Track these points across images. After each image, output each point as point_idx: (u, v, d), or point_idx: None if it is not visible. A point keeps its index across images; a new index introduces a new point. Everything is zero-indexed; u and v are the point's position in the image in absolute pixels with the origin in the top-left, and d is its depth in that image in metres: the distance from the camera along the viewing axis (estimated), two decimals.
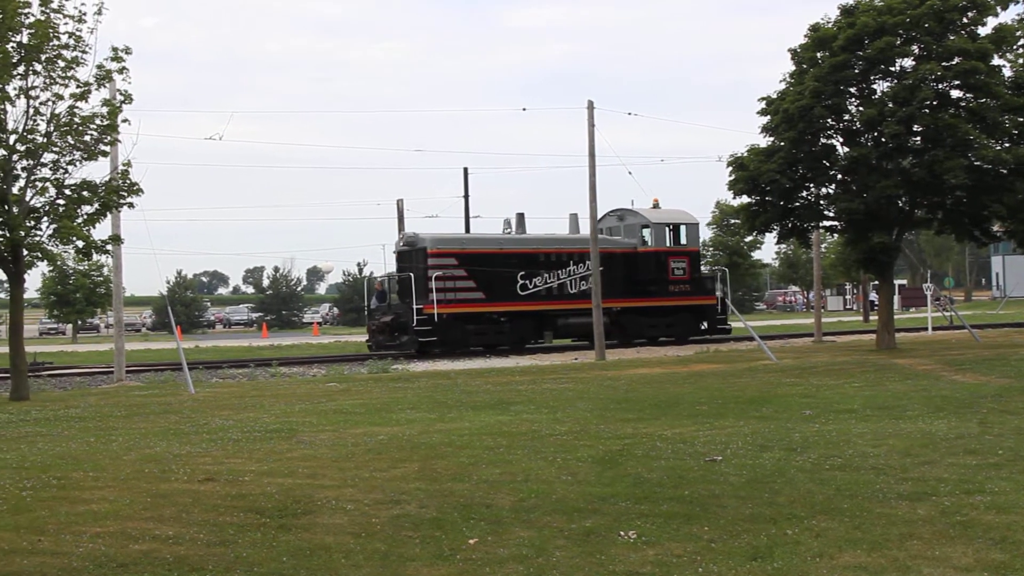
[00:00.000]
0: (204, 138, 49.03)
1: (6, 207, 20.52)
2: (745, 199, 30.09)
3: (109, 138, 21.88)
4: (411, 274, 33.70)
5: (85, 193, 21.47)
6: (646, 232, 38.50)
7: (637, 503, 9.35)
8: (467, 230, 51.14)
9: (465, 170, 52.08)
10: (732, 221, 63.83)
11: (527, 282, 35.72)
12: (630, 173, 48.98)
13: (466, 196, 51.57)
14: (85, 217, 21.57)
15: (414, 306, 33.06)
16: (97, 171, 28.54)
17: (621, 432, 13.68)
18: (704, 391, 19.24)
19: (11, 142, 20.60)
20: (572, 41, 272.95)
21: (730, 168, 29.67)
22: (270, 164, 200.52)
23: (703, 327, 39.17)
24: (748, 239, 66.71)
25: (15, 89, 20.66)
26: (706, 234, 69.77)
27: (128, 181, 22.10)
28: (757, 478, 10.32)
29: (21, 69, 20.55)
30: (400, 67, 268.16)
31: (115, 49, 21.64)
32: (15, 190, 20.87)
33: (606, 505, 9.31)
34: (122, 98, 21.92)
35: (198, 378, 24.64)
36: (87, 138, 21.39)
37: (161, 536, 8.48)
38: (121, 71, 21.70)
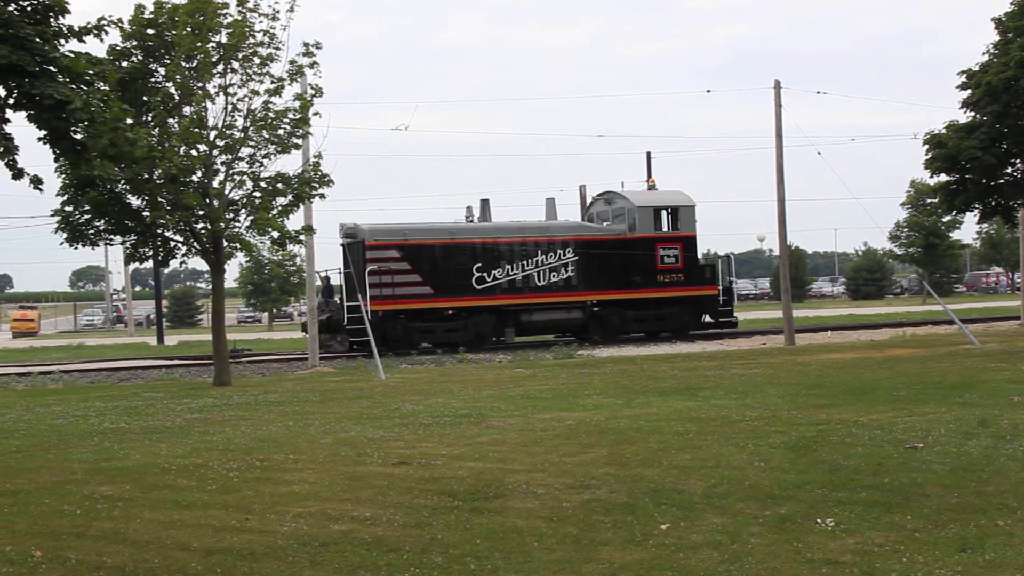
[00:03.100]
0: (390, 129, 50.26)
1: (208, 200, 21.50)
2: (943, 177, 28.75)
3: (301, 131, 22.61)
4: (350, 270, 30.88)
5: (279, 185, 22.30)
6: (633, 217, 34.19)
7: (834, 490, 9.07)
8: None
9: (648, 154, 51.67)
10: (929, 201, 61.19)
11: (484, 275, 32.04)
12: (819, 153, 47.07)
13: (649, 180, 51.14)
14: (279, 208, 22.38)
15: (345, 303, 30.33)
16: (290, 164, 29.55)
17: (814, 418, 13.30)
18: (901, 376, 18.52)
19: (211, 138, 21.55)
20: (755, 20, 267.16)
21: (927, 146, 28.40)
22: (453, 153, 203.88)
23: (705, 320, 34.99)
24: (946, 219, 63.81)
25: (214, 87, 21.64)
26: (900, 214, 67.06)
27: (319, 172, 22.81)
28: (963, 466, 9.85)
29: (220, 68, 21.49)
30: (578, 52, 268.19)
31: (306, 45, 22.38)
32: (215, 184, 21.83)
33: (801, 492, 9.06)
34: (313, 92, 22.63)
35: (387, 364, 25.24)
36: (281, 132, 22.18)
37: (359, 517, 8.71)
38: (312, 66, 22.42)
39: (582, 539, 7.92)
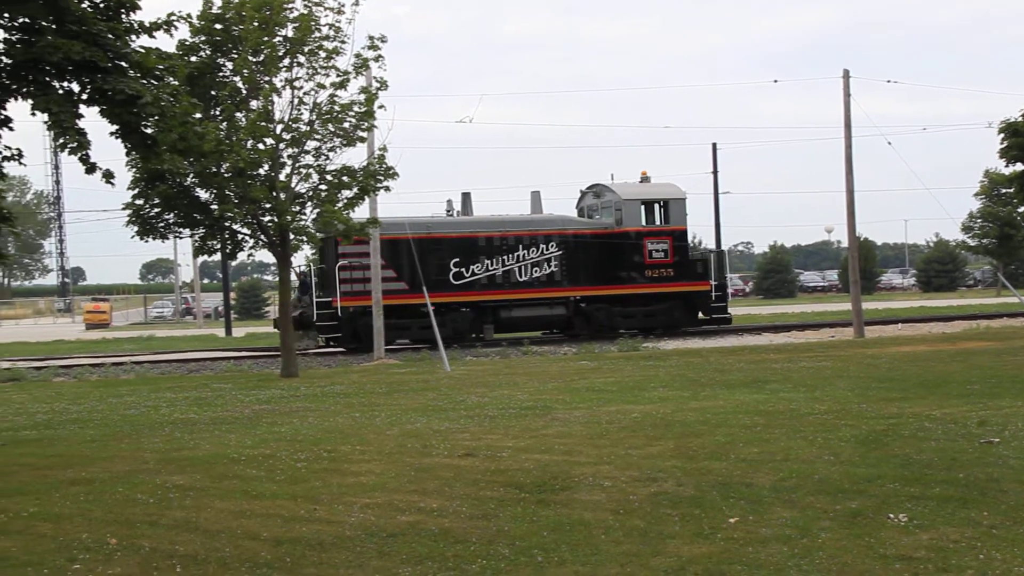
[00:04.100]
0: (455, 121, 50.41)
1: (274, 193, 21.72)
2: (1020, 167, 28.19)
3: (366, 124, 22.73)
4: (323, 266, 30.69)
5: (345, 178, 22.45)
6: (620, 210, 33.04)
7: (906, 485, 8.92)
8: (716, 207, 50.42)
9: (714, 146, 51.35)
10: (1004, 191, 59.89)
11: (462, 270, 31.12)
12: (889, 143, 46.23)
13: (715, 172, 50.81)
14: (345, 201, 22.53)
15: (314, 299, 29.75)
16: (355, 157, 29.70)
17: (885, 412, 13.09)
18: (975, 369, 18.16)
19: (278, 131, 21.76)
20: (824, 8, 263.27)
21: (1002, 135, 27.88)
22: (518, 145, 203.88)
23: (700, 317, 33.81)
24: (1022, 209, 62.44)
25: (281, 81, 21.83)
26: (973, 205, 65.68)
27: (384, 165, 22.91)
28: None
29: (286, 62, 21.68)
30: (642, 43, 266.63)
31: (371, 38, 22.47)
32: (282, 177, 22.05)
33: (872, 487, 8.92)
34: (378, 85, 22.75)
35: (451, 356, 25.31)
36: (346, 125, 22.33)
37: (426, 508, 8.74)
38: (377, 59, 22.51)
39: (649, 532, 7.88)
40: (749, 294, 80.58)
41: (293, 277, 30.54)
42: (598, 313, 32.38)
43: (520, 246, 31.78)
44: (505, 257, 31.66)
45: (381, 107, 22.64)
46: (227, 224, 22.64)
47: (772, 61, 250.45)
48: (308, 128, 21.90)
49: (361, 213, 24.43)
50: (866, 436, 11.28)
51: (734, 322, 35.09)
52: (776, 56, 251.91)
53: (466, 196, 33.75)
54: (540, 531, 7.97)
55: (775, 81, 67.20)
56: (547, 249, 31.89)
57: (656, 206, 33.06)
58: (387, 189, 23.17)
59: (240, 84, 21.69)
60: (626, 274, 32.66)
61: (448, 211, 33.41)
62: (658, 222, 33.03)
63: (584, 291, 32.31)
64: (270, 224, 22.23)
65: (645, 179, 34.32)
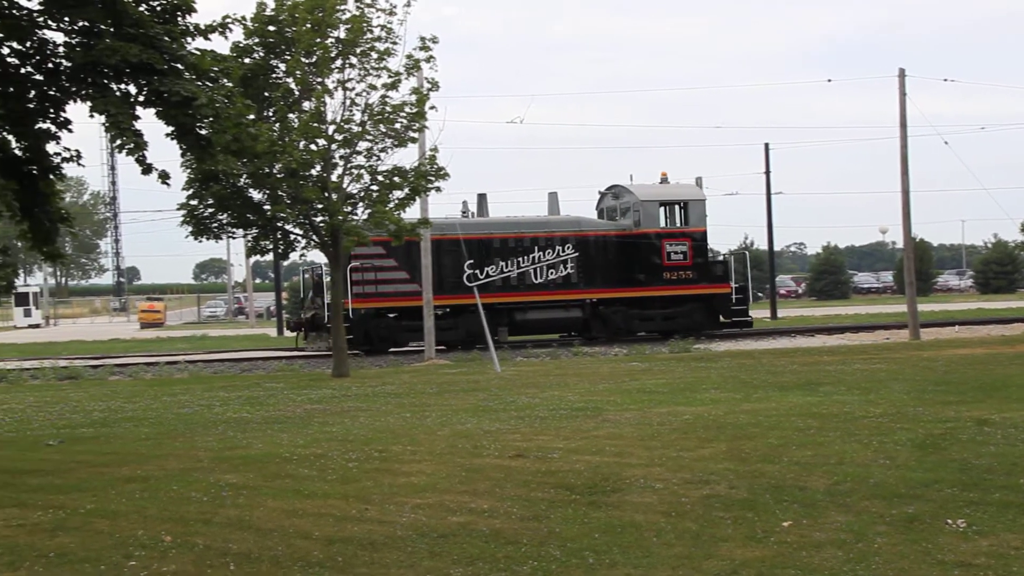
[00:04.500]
0: (505, 122, 50.40)
1: (326, 194, 21.87)
2: None
3: (417, 125, 22.83)
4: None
5: (396, 179, 22.57)
6: (637, 211, 32.68)
7: (964, 490, 8.77)
8: (768, 208, 49.95)
9: (766, 146, 50.87)
10: None
11: (477, 272, 30.45)
12: (946, 143, 45.51)
13: (767, 172, 50.36)
14: (396, 202, 22.64)
15: (326, 301, 28.49)
16: (406, 157, 29.68)
17: (942, 415, 12.89)
18: None
19: (330, 132, 21.91)
20: (880, 4, 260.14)
21: None
22: (568, 146, 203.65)
23: (721, 320, 33.19)
24: None
25: (333, 82, 22.00)
26: None
27: (435, 166, 22.99)
28: None
29: (338, 63, 21.84)
30: (695, 43, 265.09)
31: (423, 39, 22.57)
32: (334, 177, 22.21)
33: (929, 491, 8.79)
34: (429, 86, 22.84)
35: (501, 357, 25.31)
36: (397, 126, 22.44)
37: (477, 509, 8.74)
38: (428, 60, 22.58)
39: (701, 535, 7.81)
40: (802, 295, 79.91)
41: (307, 277, 30.71)
42: (615, 316, 32.03)
43: (536, 247, 31.51)
44: (520, 259, 31.40)
45: (432, 108, 22.75)
46: (279, 224, 22.83)
47: (825, 60, 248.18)
48: (360, 129, 22.03)
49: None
50: (923, 440, 11.12)
51: (787, 324, 34.80)
52: (829, 55, 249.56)
53: (482, 197, 33.63)
54: (591, 533, 7.94)
55: (829, 80, 66.55)
56: (563, 251, 31.64)
57: (675, 207, 32.75)
58: (438, 190, 23.28)
59: (293, 85, 21.87)
60: (644, 276, 32.25)
61: (463, 212, 33.19)
62: (677, 223, 32.68)
63: (600, 293, 31.95)
64: (322, 224, 22.38)
65: (665, 180, 33.89)
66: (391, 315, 30.34)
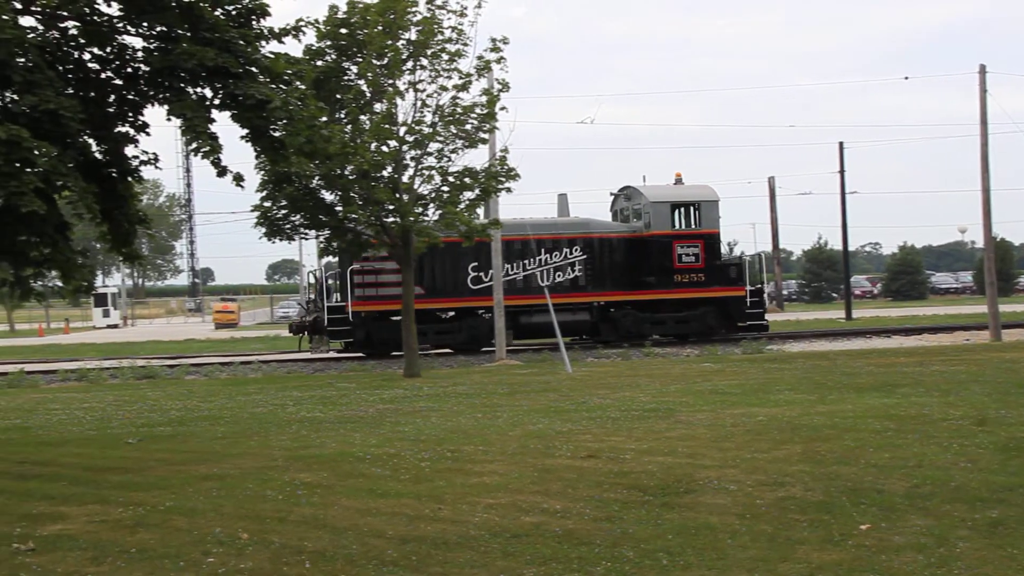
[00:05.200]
0: (576, 122, 50.18)
1: (397, 195, 21.99)
2: None
3: (488, 126, 22.88)
4: (337, 270, 30.07)
5: (467, 179, 22.62)
6: (648, 213, 31.70)
7: None
8: (843, 208, 49.23)
9: (840, 144, 50.15)
10: None
11: (481, 274, 29.79)
12: None
13: (841, 171, 49.64)
14: (467, 202, 22.70)
15: (325, 303, 29.23)
16: (477, 158, 29.63)
17: None
18: None
19: (401, 134, 22.04)
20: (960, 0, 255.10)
21: None
22: (637, 146, 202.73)
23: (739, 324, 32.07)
24: None
25: (404, 84, 22.12)
26: None
27: (506, 167, 23.00)
28: None
29: (409, 65, 21.94)
30: (767, 39, 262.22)
31: (493, 40, 22.60)
32: (405, 178, 22.32)
33: (1014, 495, 8.59)
34: (500, 87, 22.84)
35: (573, 358, 25.26)
36: (468, 127, 22.50)
37: (549, 510, 8.72)
38: (499, 61, 22.61)
39: (777, 537, 7.72)
40: (877, 296, 78.72)
41: (313, 280, 30.65)
42: (625, 319, 31.25)
43: (542, 250, 30.70)
44: (527, 261, 30.69)
45: (503, 108, 22.76)
46: (351, 225, 22.99)
47: (901, 56, 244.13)
48: (431, 130, 22.12)
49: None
50: (1006, 443, 10.87)
51: (862, 325, 34.19)
52: (905, 52, 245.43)
53: (562, 197, 33.37)
54: (665, 534, 7.88)
55: (906, 78, 65.26)
56: (571, 253, 30.81)
57: (687, 209, 31.76)
58: (508, 190, 23.29)
59: (364, 87, 22.03)
60: (654, 279, 31.33)
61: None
62: (689, 225, 31.73)
63: (609, 296, 31.14)
64: (393, 225, 22.50)
65: (679, 181, 33.09)
66: (394, 318, 29.49)
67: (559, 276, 30.73)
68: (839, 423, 12.66)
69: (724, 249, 32.17)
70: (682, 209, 31.79)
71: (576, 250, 30.96)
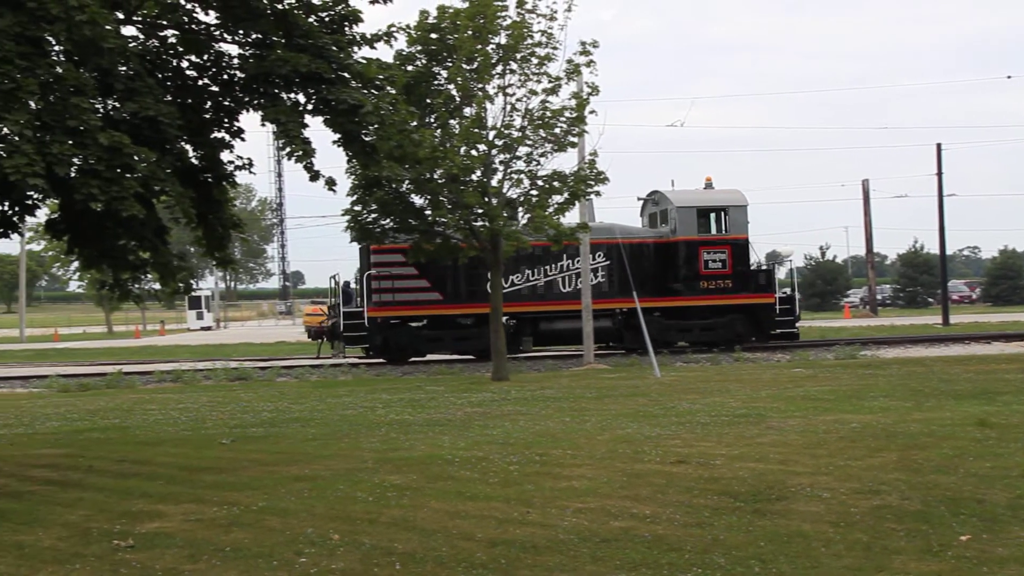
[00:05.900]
0: (666, 125, 50.02)
1: (486, 199, 22.08)
2: None
3: (577, 130, 22.88)
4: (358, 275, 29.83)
5: (555, 183, 22.62)
6: (674, 218, 30.91)
7: None
8: (940, 211, 48.08)
9: (938, 146, 49.05)
10: None
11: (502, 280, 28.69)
12: None
13: (939, 173, 48.52)
14: (555, 206, 22.70)
15: (341, 309, 28.69)
16: (566, 162, 29.43)
17: None
18: None
19: (490, 138, 22.13)
20: None
21: None
22: (728, 148, 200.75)
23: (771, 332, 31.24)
24: None
25: (494, 88, 22.23)
26: None
27: (595, 170, 22.96)
28: None
29: (499, 69, 22.05)
30: (859, 39, 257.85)
31: (583, 43, 22.59)
32: (494, 182, 22.40)
33: None
34: (589, 90, 22.81)
35: (661, 362, 25.09)
36: (557, 130, 22.51)
37: (638, 515, 8.65)
38: (588, 64, 22.60)
39: (873, 546, 7.55)
40: (975, 301, 76.85)
41: (334, 285, 30.65)
42: (649, 327, 29.41)
43: (564, 255, 29.67)
44: (547, 267, 30.00)
45: (592, 112, 22.72)
46: (440, 229, 23.14)
47: (1004, 56, 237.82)
48: (520, 134, 22.18)
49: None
50: None
51: (961, 331, 33.29)
52: (1007, 51, 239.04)
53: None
54: (756, 541, 7.77)
55: (1008, 77, 63.57)
56: (593, 258, 29.47)
57: (716, 214, 31.02)
58: (597, 194, 23.30)
59: (454, 92, 22.18)
60: (680, 285, 30.63)
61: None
62: (716, 231, 31.01)
63: (631, 303, 29.52)
64: (482, 229, 22.60)
65: (709, 185, 32.35)
66: (412, 324, 29.55)
67: (580, 283, 29.46)
68: (936, 431, 12.37)
69: (753, 256, 31.38)
70: (709, 214, 31.17)
71: (599, 255, 30.21)
